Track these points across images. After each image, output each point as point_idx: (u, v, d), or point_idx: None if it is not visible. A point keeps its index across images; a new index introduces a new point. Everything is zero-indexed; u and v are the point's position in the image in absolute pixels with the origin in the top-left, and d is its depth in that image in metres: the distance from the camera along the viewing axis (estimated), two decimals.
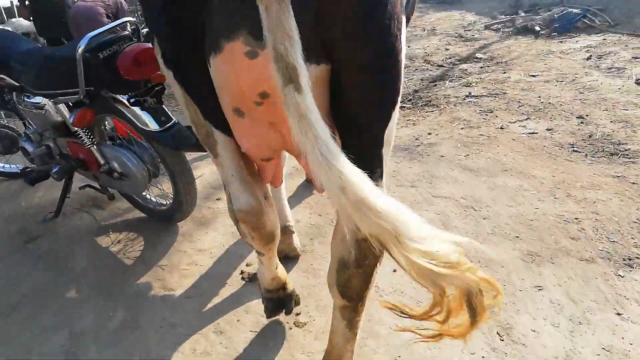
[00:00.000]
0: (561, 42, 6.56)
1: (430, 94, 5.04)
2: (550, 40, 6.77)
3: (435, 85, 5.34)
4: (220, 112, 1.24)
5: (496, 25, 8.14)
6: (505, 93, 4.77)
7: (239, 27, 0.99)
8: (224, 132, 1.30)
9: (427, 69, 6.06)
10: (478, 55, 6.41)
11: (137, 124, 2.32)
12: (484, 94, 4.83)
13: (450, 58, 6.47)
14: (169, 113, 2.37)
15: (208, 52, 1.09)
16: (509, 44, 6.87)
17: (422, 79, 5.63)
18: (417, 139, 3.93)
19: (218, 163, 1.42)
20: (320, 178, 0.81)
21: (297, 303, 2.07)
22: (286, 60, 0.79)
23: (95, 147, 2.57)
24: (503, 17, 8.55)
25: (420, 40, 7.91)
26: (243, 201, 1.42)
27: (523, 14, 8.41)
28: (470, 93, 4.86)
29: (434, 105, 4.71)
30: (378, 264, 1.34)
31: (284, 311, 2.00)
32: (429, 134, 4.01)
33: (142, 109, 2.29)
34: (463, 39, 7.64)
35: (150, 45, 2.24)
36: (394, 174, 3.30)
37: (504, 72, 5.48)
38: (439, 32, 8.42)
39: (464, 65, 6.00)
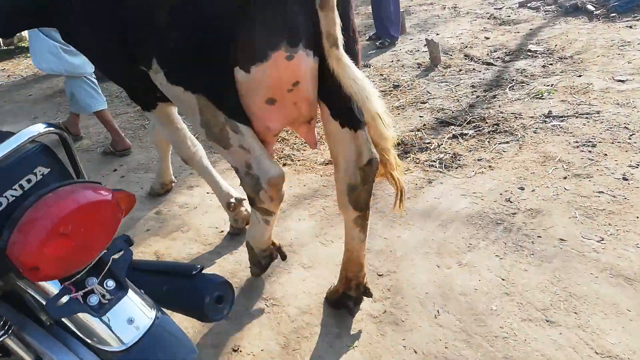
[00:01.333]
0: (630, 27, 5.30)
1: (492, 112, 3.82)
2: (612, 23, 5.51)
3: (495, 96, 4.11)
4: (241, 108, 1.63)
5: (533, 2, 6.84)
6: (598, 112, 3.56)
7: (281, 40, 1.44)
8: (245, 123, 1.65)
9: (474, 68, 4.80)
10: (531, 46, 5.14)
11: (84, 338, 1.11)
12: (569, 112, 3.62)
13: (496, 51, 5.20)
14: (150, 303, 1.16)
15: (249, 61, 1.48)
16: (563, 29, 5.60)
17: (472, 86, 4.39)
18: (507, 199, 2.75)
19: (233, 152, 1.70)
20: (347, 81, 1.45)
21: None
22: (334, 35, 1.38)
23: (11, 337, 1.35)
24: None
25: (447, 23, 6.59)
26: (274, 171, 1.71)
27: None
28: (550, 112, 3.65)
29: (506, 132, 3.50)
30: (374, 180, 1.82)
31: (279, 256, 2.28)
32: (521, 189, 2.83)
33: (90, 310, 1.07)
34: (499, 21, 6.35)
35: (98, 186, 1.01)
36: (503, 281, 2.14)
37: (579, 75, 4.26)
38: (464, 11, 7.09)
39: (520, 63, 4.75)
